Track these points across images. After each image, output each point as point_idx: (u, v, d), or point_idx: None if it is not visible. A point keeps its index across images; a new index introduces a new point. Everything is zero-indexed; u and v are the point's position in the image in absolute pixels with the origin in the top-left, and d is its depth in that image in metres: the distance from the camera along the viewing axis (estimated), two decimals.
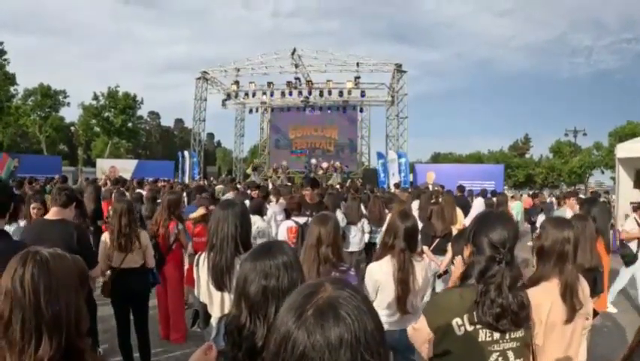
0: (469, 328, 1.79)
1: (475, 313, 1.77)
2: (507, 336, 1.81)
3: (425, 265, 3.03)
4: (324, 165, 24.18)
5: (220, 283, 2.54)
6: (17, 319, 1.19)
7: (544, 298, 2.08)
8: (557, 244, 2.18)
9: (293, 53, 22.50)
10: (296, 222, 5.15)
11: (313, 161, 24.76)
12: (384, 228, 3.57)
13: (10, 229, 4.23)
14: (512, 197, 20.82)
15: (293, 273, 1.44)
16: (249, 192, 8.54)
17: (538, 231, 2.46)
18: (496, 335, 1.80)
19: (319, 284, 0.84)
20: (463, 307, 1.80)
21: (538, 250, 2.27)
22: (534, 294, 2.06)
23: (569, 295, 2.10)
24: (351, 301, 0.79)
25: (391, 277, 2.82)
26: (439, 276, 5.58)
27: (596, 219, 3.64)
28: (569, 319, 2.10)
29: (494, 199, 9.11)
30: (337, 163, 24.02)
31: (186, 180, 22.34)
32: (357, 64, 23.59)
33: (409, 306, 2.83)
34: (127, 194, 8.98)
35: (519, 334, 1.84)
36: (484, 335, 1.79)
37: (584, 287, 2.23)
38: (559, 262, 2.16)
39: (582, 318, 2.21)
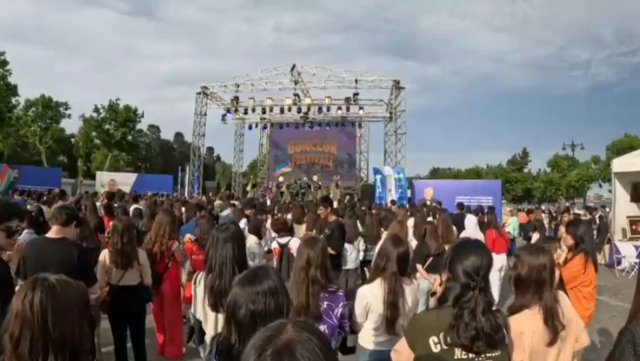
0: (445, 346, 1.90)
1: (450, 334, 1.88)
2: (482, 356, 1.91)
3: (414, 287, 3.13)
4: (315, 178, 24.17)
5: (217, 305, 2.64)
6: (26, 338, 1.32)
7: (527, 326, 2.17)
8: (534, 272, 2.27)
9: (292, 69, 22.79)
10: (279, 243, 5.31)
11: (304, 178, 24.80)
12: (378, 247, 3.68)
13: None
14: (509, 211, 20.87)
15: (279, 297, 1.56)
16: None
17: (513, 260, 2.54)
18: (471, 355, 1.90)
19: (281, 326, 0.94)
20: (439, 326, 1.92)
21: (516, 279, 2.35)
22: (516, 322, 2.16)
23: (550, 319, 2.19)
24: (308, 345, 0.88)
25: (381, 300, 2.92)
26: (433, 294, 5.66)
27: (584, 239, 3.75)
28: (552, 341, 2.19)
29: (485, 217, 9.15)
30: (337, 177, 24.02)
31: (185, 195, 22.43)
32: (356, 80, 23.84)
33: (397, 327, 2.92)
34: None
35: (495, 353, 1.93)
36: (459, 353, 1.90)
37: (564, 308, 2.30)
38: (537, 290, 2.25)
39: (571, 339, 2.28)
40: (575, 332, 2.33)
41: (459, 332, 1.86)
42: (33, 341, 1.32)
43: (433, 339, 1.91)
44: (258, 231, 5.70)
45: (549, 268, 2.27)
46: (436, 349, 1.90)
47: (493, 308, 1.95)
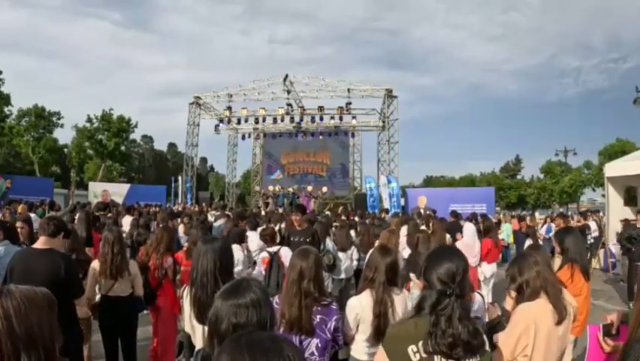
0: (424, 354, 1.88)
1: (429, 342, 1.87)
2: None
3: (405, 297, 3.09)
4: (277, 187, 23.68)
5: (203, 317, 2.59)
6: None
7: (537, 313, 2.34)
8: (537, 282, 2.43)
9: (285, 79, 22.84)
10: (268, 252, 5.32)
11: (257, 188, 24.67)
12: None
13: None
14: (503, 218, 20.91)
15: (261, 310, 1.52)
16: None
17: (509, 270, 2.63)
18: None
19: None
20: (417, 335, 1.90)
21: (518, 288, 2.49)
22: (528, 309, 2.35)
23: (558, 307, 2.37)
24: None
25: (370, 311, 2.87)
26: None
27: (570, 250, 3.72)
28: (559, 321, 2.36)
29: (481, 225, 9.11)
30: (309, 187, 23.59)
31: (177, 204, 22.26)
32: (349, 90, 23.99)
33: None
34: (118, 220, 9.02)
35: (474, 360, 1.91)
36: (438, 360, 1.88)
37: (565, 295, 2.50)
38: (544, 290, 2.42)
39: (570, 320, 2.46)
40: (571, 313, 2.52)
41: (437, 340, 1.85)
42: (1, 345, 1.31)
43: (411, 348, 1.89)
44: (240, 239, 5.72)
45: (546, 267, 2.46)
46: (415, 358, 1.89)
47: (472, 316, 1.96)
